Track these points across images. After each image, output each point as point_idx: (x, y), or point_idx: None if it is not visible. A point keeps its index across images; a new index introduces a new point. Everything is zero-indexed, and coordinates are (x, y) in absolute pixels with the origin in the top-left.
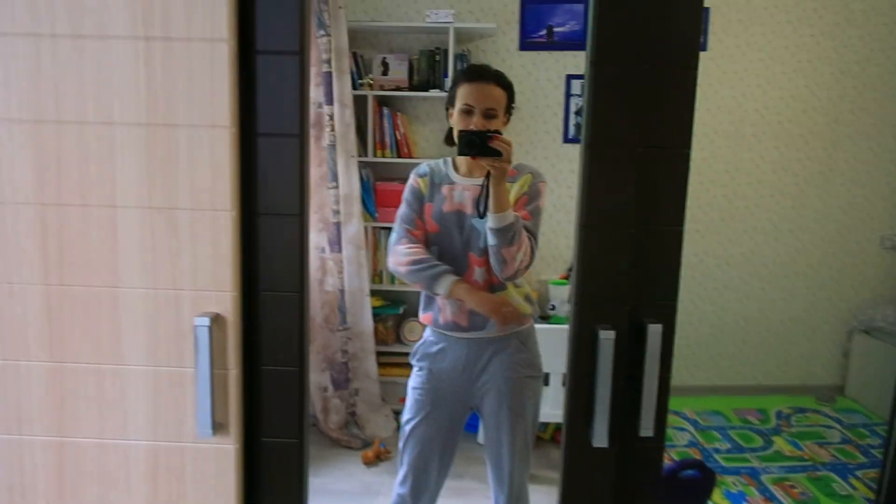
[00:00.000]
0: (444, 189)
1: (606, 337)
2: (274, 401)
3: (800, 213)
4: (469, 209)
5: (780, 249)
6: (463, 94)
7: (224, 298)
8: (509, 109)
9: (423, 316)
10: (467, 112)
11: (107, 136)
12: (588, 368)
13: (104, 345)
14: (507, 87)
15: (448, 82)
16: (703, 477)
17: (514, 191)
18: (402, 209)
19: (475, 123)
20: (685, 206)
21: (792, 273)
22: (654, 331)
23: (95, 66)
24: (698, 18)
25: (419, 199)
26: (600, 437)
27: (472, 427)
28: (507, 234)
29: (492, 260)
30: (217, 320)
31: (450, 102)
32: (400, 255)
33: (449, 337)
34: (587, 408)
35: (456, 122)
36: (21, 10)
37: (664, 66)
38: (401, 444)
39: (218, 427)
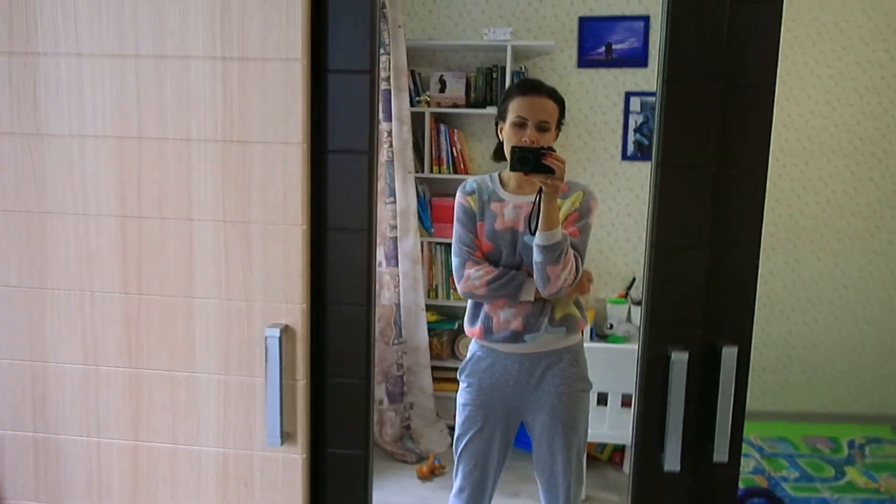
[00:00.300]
0: (494, 206)
1: (679, 359)
2: (340, 412)
3: (873, 234)
4: (521, 226)
5: (851, 272)
6: (516, 106)
7: (294, 310)
8: (560, 124)
9: (472, 329)
10: (520, 125)
11: (184, 152)
12: (659, 391)
13: (178, 353)
14: (560, 101)
15: None
16: None
17: (564, 207)
18: (459, 231)
19: (528, 136)
20: (762, 227)
21: (864, 296)
22: (729, 353)
23: (175, 84)
24: (776, 36)
25: (472, 217)
26: (672, 461)
27: (526, 444)
28: (554, 253)
29: (535, 276)
30: (287, 331)
31: (500, 116)
32: (474, 279)
33: (499, 352)
34: (658, 431)
35: (508, 135)
36: (109, 32)
37: (740, 86)
38: (455, 457)
39: (286, 437)
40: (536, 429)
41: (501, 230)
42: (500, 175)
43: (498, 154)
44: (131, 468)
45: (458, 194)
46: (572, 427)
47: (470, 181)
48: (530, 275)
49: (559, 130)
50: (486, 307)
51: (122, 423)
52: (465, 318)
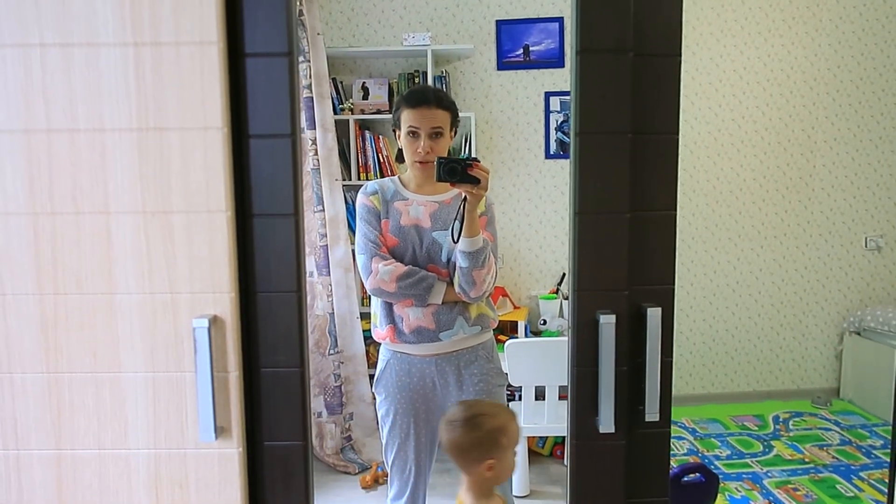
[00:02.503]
0: (398, 205)
1: (607, 321)
2: (276, 403)
3: (783, 219)
4: (427, 223)
5: (766, 256)
6: (407, 118)
7: (222, 300)
8: (454, 125)
9: (382, 332)
10: (414, 134)
11: (98, 143)
12: (590, 355)
13: (101, 353)
14: (449, 105)
15: None
16: (707, 481)
17: None
18: (364, 229)
19: (423, 146)
20: (676, 190)
21: (779, 279)
22: (654, 314)
23: (85, 73)
24: (679, 6)
25: (376, 215)
26: (607, 423)
27: None
28: (479, 257)
29: (461, 281)
30: (216, 322)
31: (395, 125)
32: (382, 274)
33: (413, 357)
34: (592, 395)
35: (405, 144)
36: (9, 21)
37: (649, 54)
38: (388, 465)
39: (220, 431)
40: None
41: (407, 226)
42: (399, 177)
43: (400, 157)
44: (55, 479)
45: (360, 196)
46: None
47: (370, 184)
48: (440, 277)
49: (455, 131)
50: (395, 307)
51: (42, 432)
52: (374, 323)
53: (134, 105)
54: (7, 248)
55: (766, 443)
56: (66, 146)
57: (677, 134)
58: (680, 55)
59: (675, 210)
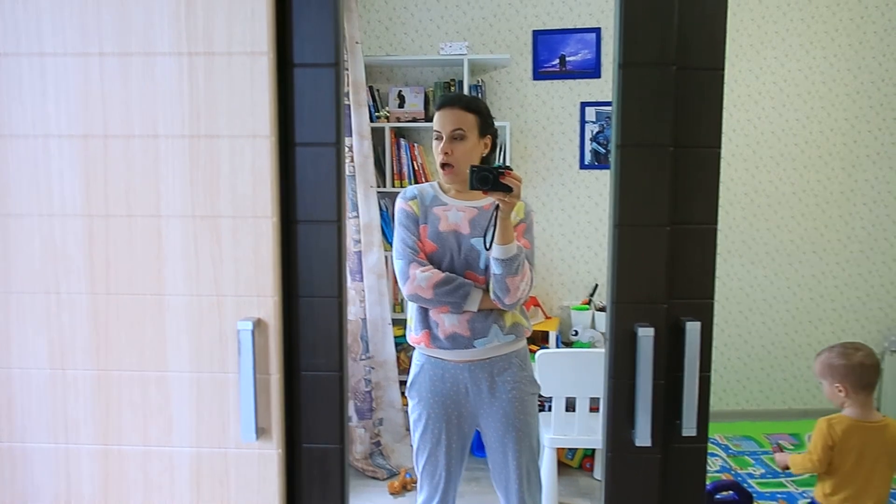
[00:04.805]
0: (437, 210)
1: (645, 334)
2: (314, 406)
3: (822, 234)
4: (465, 229)
5: (803, 271)
6: (435, 121)
7: (266, 304)
8: (486, 130)
9: (417, 337)
10: (438, 138)
11: (152, 149)
12: (628, 367)
13: (149, 352)
14: (476, 109)
15: None
16: (740, 499)
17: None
18: (402, 234)
19: (443, 147)
20: (718, 204)
21: (817, 295)
22: (693, 328)
23: (141, 81)
24: (723, 19)
25: (415, 221)
26: (643, 436)
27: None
28: (512, 265)
29: (496, 288)
30: (259, 325)
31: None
32: (420, 280)
33: (447, 362)
34: (629, 407)
35: (433, 148)
36: (71, 31)
37: (692, 68)
38: (418, 471)
39: (261, 432)
40: (491, 436)
41: (445, 232)
42: (438, 182)
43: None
44: (102, 473)
45: (399, 201)
46: (525, 431)
47: (410, 189)
48: (476, 284)
49: (489, 136)
50: (431, 313)
51: (91, 427)
52: (409, 328)
53: (187, 112)
54: (63, 249)
55: None
56: (122, 151)
57: (719, 147)
58: (723, 69)
59: (716, 224)
